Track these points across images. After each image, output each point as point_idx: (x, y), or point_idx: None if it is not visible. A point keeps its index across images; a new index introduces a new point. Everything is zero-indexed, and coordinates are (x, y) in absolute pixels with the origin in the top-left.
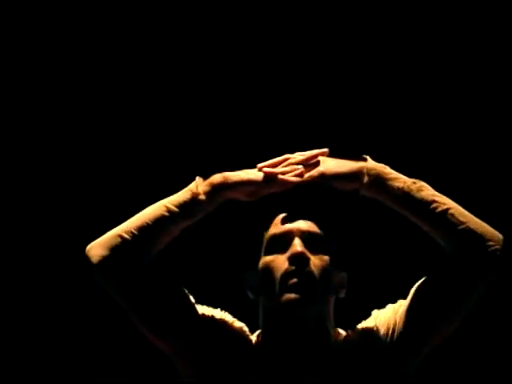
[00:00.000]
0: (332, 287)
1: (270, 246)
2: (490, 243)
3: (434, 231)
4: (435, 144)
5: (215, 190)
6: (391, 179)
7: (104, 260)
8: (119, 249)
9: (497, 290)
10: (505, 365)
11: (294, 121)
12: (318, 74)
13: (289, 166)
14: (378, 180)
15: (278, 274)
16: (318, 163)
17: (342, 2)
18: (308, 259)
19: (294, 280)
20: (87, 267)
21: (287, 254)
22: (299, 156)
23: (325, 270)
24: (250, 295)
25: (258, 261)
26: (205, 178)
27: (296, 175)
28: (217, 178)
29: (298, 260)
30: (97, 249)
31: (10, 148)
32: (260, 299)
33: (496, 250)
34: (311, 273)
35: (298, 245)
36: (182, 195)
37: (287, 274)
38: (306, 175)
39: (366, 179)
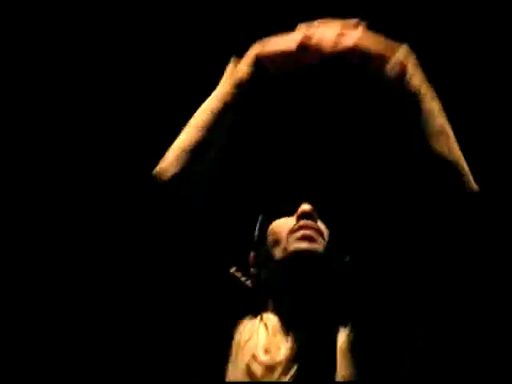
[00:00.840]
0: (336, 260)
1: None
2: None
3: (421, 148)
4: None
5: (257, 59)
6: (414, 74)
7: (176, 176)
8: (189, 164)
9: (497, 290)
10: (505, 365)
11: None
12: None
13: (326, 38)
14: (406, 70)
15: (287, 228)
16: (354, 34)
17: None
18: (317, 217)
19: (306, 231)
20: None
21: (296, 214)
22: (336, 23)
23: (329, 237)
24: (250, 282)
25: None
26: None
27: (330, 43)
28: (254, 48)
29: (307, 216)
30: (168, 167)
31: (7, 142)
32: (262, 273)
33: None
34: (320, 229)
35: (306, 204)
36: (228, 81)
37: (297, 228)
38: (341, 45)
39: (395, 63)
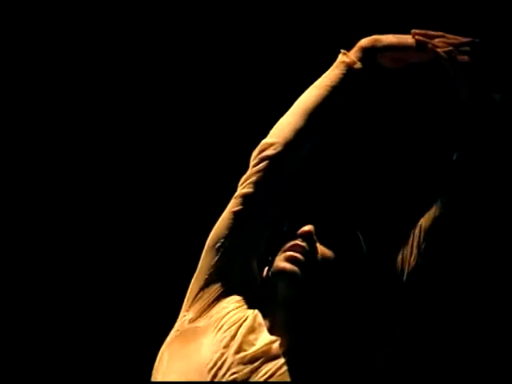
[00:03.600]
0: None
1: None
2: None
3: None
4: None
5: (367, 53)
6: None
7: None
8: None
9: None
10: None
11: None
12: None
13: (441, 43)
14: None
15: (287, 245)
16: (467, 53)
17: None
18: (315, 240)
19: (293, 253)
20: None
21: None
22: (453, 38)
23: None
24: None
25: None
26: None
27: (446, 52)
28: (365, 41)
29: (305, 237)
30: (274, 145)
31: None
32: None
33: None
34: (313, 253)
35: (308, 225)
36: (336, 71)
37: (287, 247)
38: (459, 57)
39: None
